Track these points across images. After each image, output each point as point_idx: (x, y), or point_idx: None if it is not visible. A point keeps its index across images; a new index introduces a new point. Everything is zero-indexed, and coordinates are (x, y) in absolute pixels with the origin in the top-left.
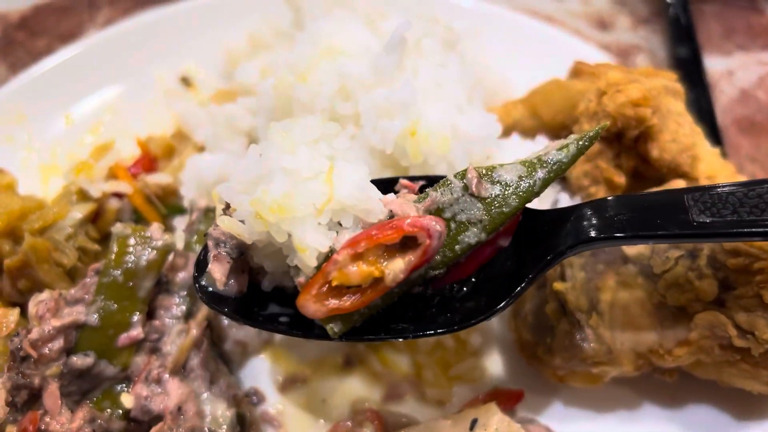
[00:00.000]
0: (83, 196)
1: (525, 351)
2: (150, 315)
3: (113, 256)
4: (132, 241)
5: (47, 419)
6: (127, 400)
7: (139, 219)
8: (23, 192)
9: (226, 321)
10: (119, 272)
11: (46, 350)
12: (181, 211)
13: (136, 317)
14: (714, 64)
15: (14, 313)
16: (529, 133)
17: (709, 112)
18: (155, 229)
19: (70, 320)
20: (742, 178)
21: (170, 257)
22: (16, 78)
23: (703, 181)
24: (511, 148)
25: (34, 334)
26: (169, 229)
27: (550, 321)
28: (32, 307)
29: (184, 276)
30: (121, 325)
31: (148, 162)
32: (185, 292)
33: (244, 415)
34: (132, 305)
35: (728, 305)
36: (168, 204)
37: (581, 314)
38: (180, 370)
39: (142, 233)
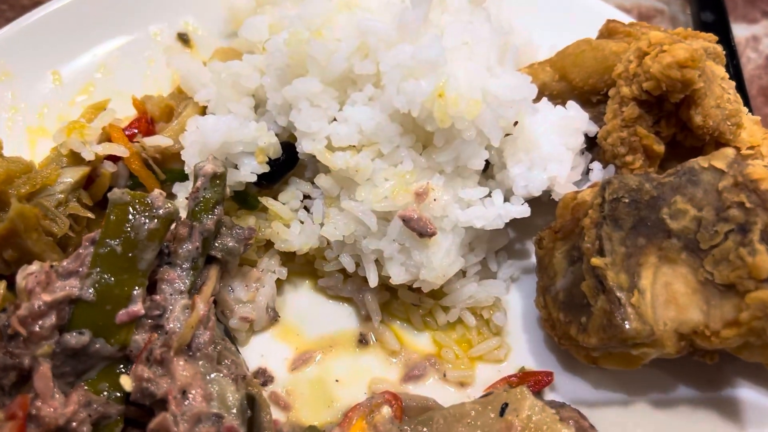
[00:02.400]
0: (75, 159)
1: (555, 330)
2: (151, 289)
3: (111, 225)
4: (131, 208)
5: (38, 403)
6: (127, 382)
7: (135, 185)
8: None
9: (231, 295)
10: (117, 242)
11: (37, 328)
12: (181, 176)
13: (136, 291)
14: (739, 32)
15: (1, 286)
16: (557, 97)
17: (738, 79)
18: (156, 196)
19: (63, 295)
20: None
21: (177, 229)
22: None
23: (745, 152)
24: (542, 114)
25: (23, 310)
26: (168, 196)
27: (586, 299)
28: (20, 281)
29: (187, 247)
30: (120, 300)
31: (145, 123)
32: (189, 265)
33: (253, 397)
34: (131, 278)
35: None
36: (167, 169)
37: (621, 292)
38: (185, 349)
39: (143, 200)
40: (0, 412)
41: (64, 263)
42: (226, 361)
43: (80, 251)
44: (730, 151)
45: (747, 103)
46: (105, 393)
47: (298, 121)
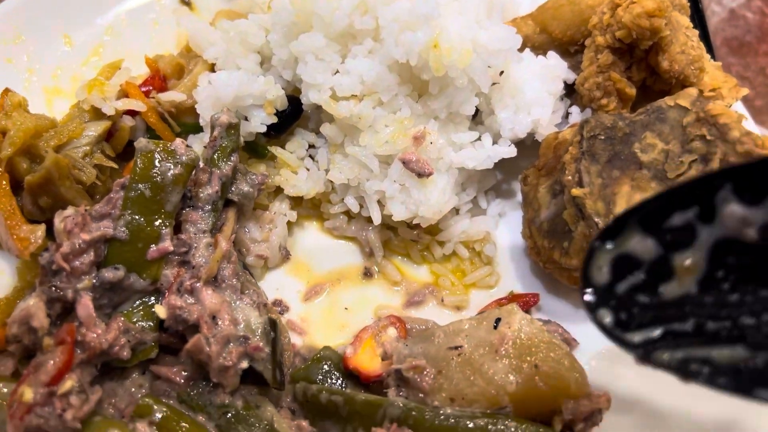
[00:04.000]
0: (96, 114)
1: (540, 257)
2: (176, 230)
3: (139, 171)
4: (157, 155)
5: (83, 330)
6: (161, 311)
7: (152, 137)
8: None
9: (248, 235)
10: (146, 186)
11: (78, 263)
12: (195, 129)
13: (164, 230)
14: None
15: (41, 229)
16: (539, 48)
17: (703, 30)
18: (179, 144)
19: (99, 234)
20: (744, 91)
21: (197, 175)
22: None
23: (708, 94)
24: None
25: (66, 247)
26: None
27: (568, 226)
28: (59, 223)
29: (208, 191)
30: (150, 238)
31: (159, 81)
32: (210, 207)
33: (275, 321)
34: (160, 218)
35: None
36: (181, 122)
37: (599, 218)
38: (211, 281)
39: (167, 147)
40: (49, 339)
41: (97, 207)
42: (248, 291)
43: (111, 195)
44: (693, 91)
45: (711, 53)
46: (140, 323)
47: (304, 73)
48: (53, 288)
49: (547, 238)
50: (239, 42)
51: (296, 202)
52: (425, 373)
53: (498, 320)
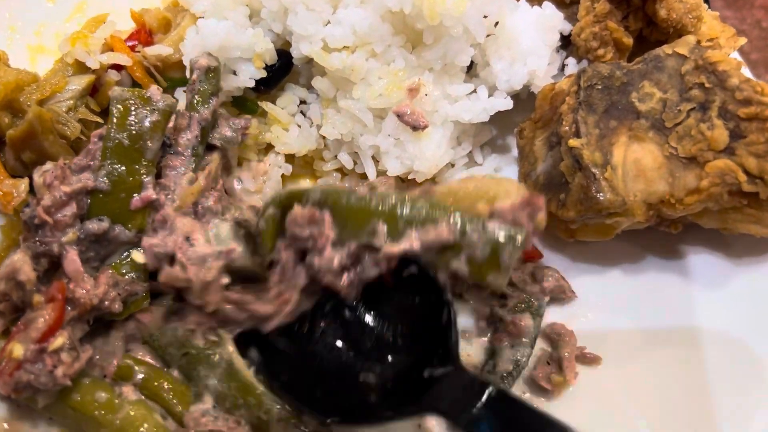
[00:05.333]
0: (80, 68)
1: None
2: (157, 176)
3: (116, 120)
4: (133, 103)
5: (72, 286)
6: (138, 256)
7: None
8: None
9: (240, 186)
10: (124, 135)
11: (60, 216)
12: (182, 83)
13: (146, 179)
14: None
15: (24, 183)
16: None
17: None
18: (154, 90)
19: (80, 186)
20: (742, 41)
21: (173, 118)
22: None
23: (705, 44)
24: (522, 13)
25: (47, 200)
26: None
27: (564, 178)
28: (38, 177)
29: (187, 137)
30: (132, 187)
31: (144, 35)
32: (190, 152)
33: (250, 231)
34: (140, 167)
35: (738, 153)
36: (168, 77)
37: (596, 168)
38: (189, 211)
39: (142, 94)
40: (39, 296)
41: (76, 159)
42: (230, 211)
43: (90, 147)
44: (691, 38)
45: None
46: (129, 274)
47: (295, 24)
48: (38, 242)
49: (544, 190)
50: None
51: (287, 160)
52: None
53: None
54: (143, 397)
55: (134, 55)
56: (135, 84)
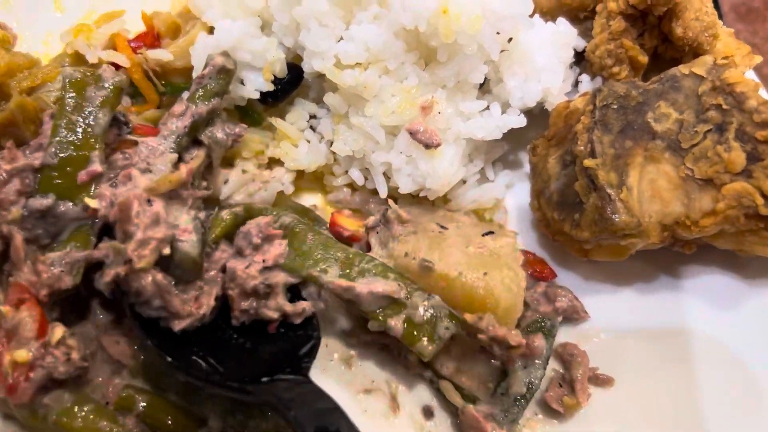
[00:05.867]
0: (79, 60)
1: (550, 228)
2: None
3: (66, 98)
4: (82, 80)
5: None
6: (92, 201)
7: (135, 94)
8: None
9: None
10: (72, 111)
11: (2, 194)
12: (181, 90)
13: (94, 154)
14: None
15: None
16: (547, 14)
17: None
18: (106, 68)
19: (24, 163)
20: (758, 59)
21: (174, 106)
22: None
23: (720, 62)
24: (535, 30)
25: None
26: (167, 106)
27: (579, 197)
28: None
29: (176, 123)
30: (80, 162)
31: (152, 38)
32: (173, 138)
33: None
34: (88, 142)
35: (755, 176)
36: (168, 82)
37: (611, 189)
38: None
39: (94, 73)
40: (4, 307)
41: (32, 141)
42: (195, 211)
43: (43, 127)
44: (708, 59)
45: (720, 19)
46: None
47: (307, 40)
48: None
49: (557, 209)
50: (238, 4)
51: (298, 175)
52: (405, 225)
53: (491, 233)
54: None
55: (135, 57)
56: (132, 85)
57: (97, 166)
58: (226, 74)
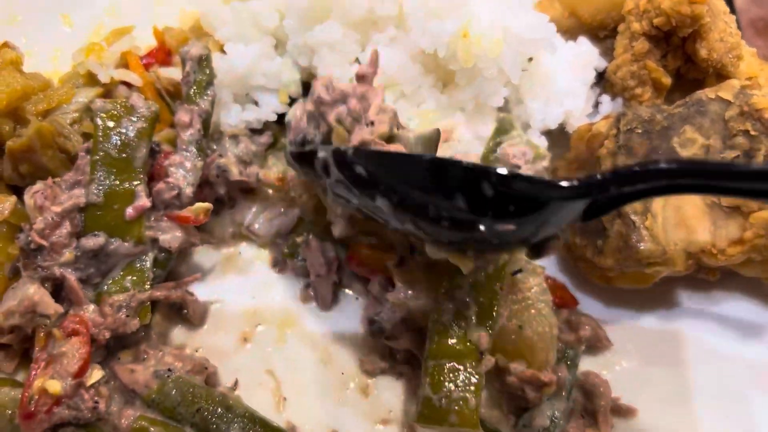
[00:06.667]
0: (91, 80)
1: (572, 253)
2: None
3: (101, 132)
4: (116, 113)
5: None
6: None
7: None
8: None
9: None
10: (110, 146)
11: (55, 237)
12: None
13: (138, 187)
14: None
15: (10, 201)
16: (567, 33)
17: (730, 11)
18: (136, 99)
19: (71, 203)
20: None
21: (177, 116)
22: None
23: (743, 82)
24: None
25: (39, 223)
26: None
27: (602, 224)
28: (29, 200)
29: (190, 132)
30: (125, 197)
31: (163, 54)
32: (194, 147)
33: None
34: (130, 176)
35: None
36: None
37: (636, 216)
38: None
39: (125, 104)
40: (58, 330)
41: (66, 176)
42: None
43: (78, 162)
44: (736, 83)
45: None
46: (129, 287)
47: (320, 66)
48: (38, 268)
49: (580, 235)
50: (251, 23)
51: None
52: None
53: (519, 271)
54: None
55: (147, 75)
56: None
57: (144, 200)
58: (206, 60)
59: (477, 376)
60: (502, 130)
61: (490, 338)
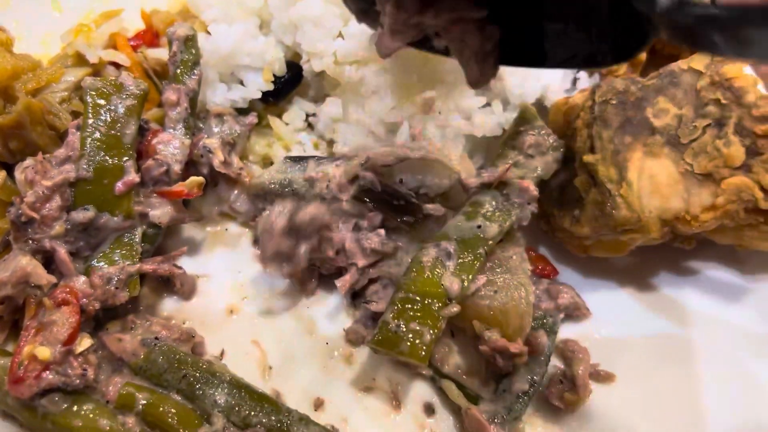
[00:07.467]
0: (80, 60)
1: (550, 225)
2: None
3: (90, 109)
4: (106, 91)
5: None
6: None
7: None
8: None
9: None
10: (100, 123)
11: (46, 210)
12: None
13: (127, 163)
14: None
15: (0, 176)
16: None
17: None
18: (126, 76)
19: (62, 178)
20: None
21: (165, 95)
22: None
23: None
24: None
25: (30, 197)
26: None
27: (578, 193)
28: (19, 175)
29: (177, 110)
30: (114, 173)
31: (150, 36)
32: (182, 125)
33: None
34: (120, 152)
35: (755, 170)
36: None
37: (611, 184)
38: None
39: (115, 82)
40: (48, 299)
41: (57, 152)
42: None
43: (69, 139)
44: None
45: None
46: (119, 260)
47: (303, 42)
48: (29, 241)
49: (557, 206)
50: (236, 4)
51: None
52: None
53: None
54: (147, 429)
55: (134, 56)
56: None
57: (133, 176)
58: (192, 40)
59: (438, 318)
60: (524, 120)
61: (462, 291)
